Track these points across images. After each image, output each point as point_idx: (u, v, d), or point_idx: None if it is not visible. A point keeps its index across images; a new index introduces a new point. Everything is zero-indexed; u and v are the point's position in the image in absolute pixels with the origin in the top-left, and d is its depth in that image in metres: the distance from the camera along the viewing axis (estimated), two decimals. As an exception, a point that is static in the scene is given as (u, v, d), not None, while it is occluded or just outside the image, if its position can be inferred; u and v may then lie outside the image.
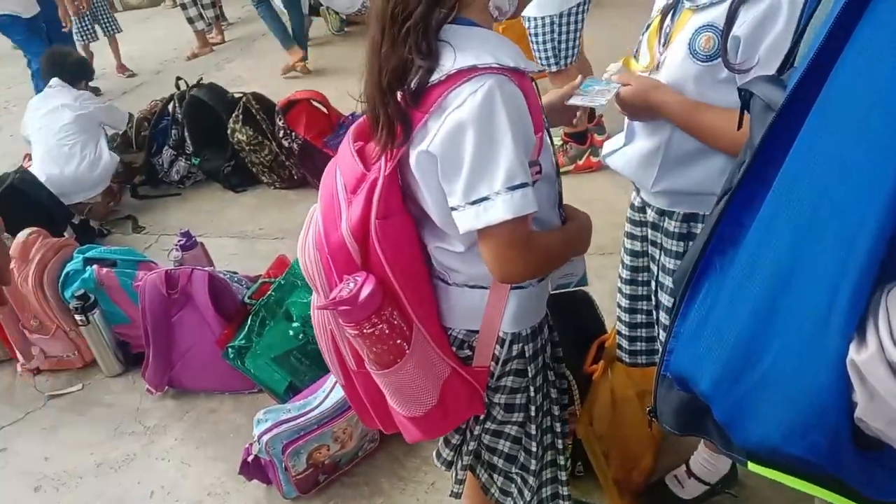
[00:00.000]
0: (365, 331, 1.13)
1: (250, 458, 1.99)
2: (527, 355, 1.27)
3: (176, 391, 2.51)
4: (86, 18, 5.68)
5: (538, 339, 1.29)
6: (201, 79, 4.16)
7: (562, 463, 1.42)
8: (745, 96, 0.76)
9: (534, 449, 1.35)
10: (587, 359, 1.96)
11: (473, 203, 1.02)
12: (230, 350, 2.28)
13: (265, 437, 1.94)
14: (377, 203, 1.08)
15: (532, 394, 1.30)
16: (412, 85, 1.02)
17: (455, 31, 1.03)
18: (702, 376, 0.76)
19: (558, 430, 1.39)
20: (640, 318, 1.69)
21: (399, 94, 1.04)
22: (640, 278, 1.64)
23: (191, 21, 6.23)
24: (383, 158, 1.09)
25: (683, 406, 0.86)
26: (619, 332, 1.76)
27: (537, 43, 3.12)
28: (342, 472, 2.08)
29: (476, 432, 1.35)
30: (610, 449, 1.85)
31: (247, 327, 2.29)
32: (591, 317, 2.08)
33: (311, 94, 3.78)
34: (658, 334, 1.64)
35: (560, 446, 1.40)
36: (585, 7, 3.04)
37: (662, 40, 1.36)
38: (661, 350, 1.58)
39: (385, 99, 1.04)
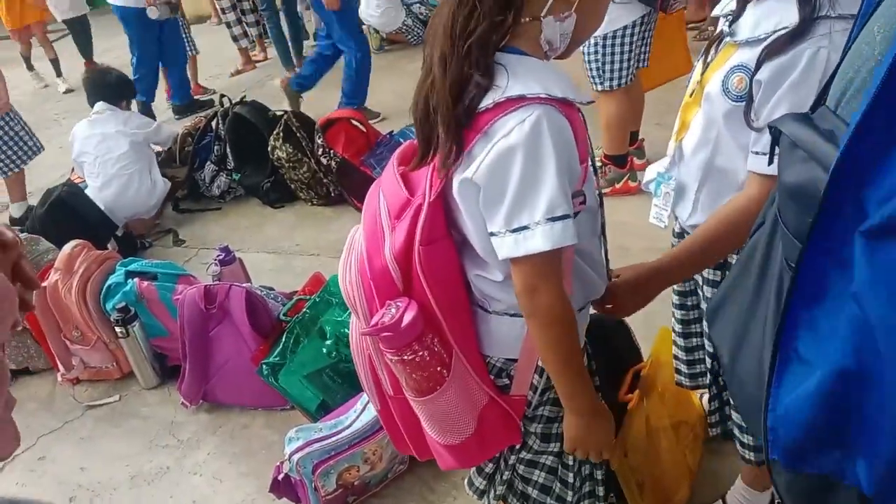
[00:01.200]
0: (406, 357, 1.13)
1: (281, 477, 2.00)
2: None
3: (210, 405, 2.54)
4: None
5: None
6: (244, 96, 4.24)
7: (600, 494, 1.40)
8: (775, 133, 0.74)
9: (570, 480, 1.33)
10: (622, 387, 1.93)
11: (514, 231, 1.02)
12: (264, 367, 2.30)
13: (296, 456, 1.94)
14: (421, 229, 1.09)
15: None
16: (466, 102, 1.02)
17: (507, 59, 1.04)
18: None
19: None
20: (695, 340, 1.70)
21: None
22: (689, 302, 1.66)
23: (235, 39, 6.37)
24: (428, 184, 1.10)
25: (804, 490, 0.78)
26: (676, 357, 1.77)
27: (586, 61, 3.11)
28: (371, 493, 2.08)
29: (511, 461, 1.34)
30: (644, 480, 1.81)
31: (281, 344, 2.31)
32: (627, 345, 2.04)
33: (351, 114, 3.83)
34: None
35: (599, 477, 1.38)
36: (638, 30, 3.00)
37: (703, 70, 1.35)
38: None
39: (447, 114, 1.04)
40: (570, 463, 1.32)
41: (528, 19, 1.03)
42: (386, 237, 1.14)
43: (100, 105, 3.80)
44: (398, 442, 1.39)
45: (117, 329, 2.56)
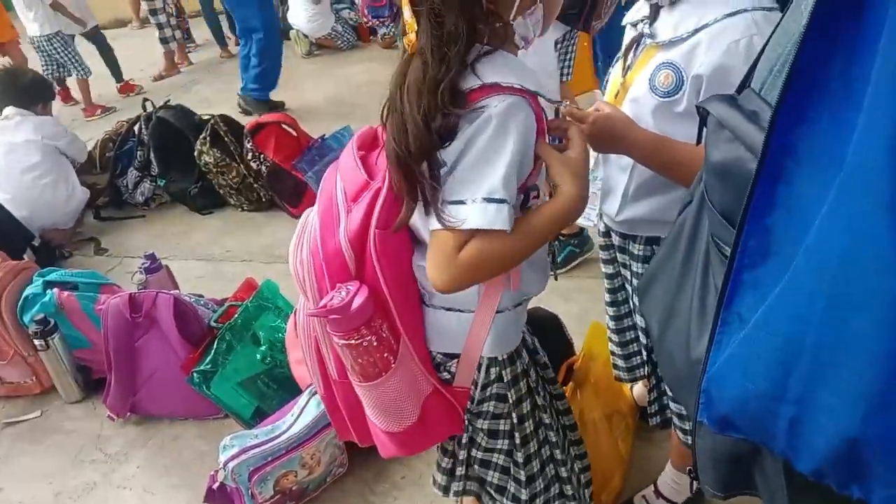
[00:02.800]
0: (353, 341, 1.12)
1: (216, 486, 1.95)
2: (505, 380, 1.26)
3: (139, 417, 2.44)
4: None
5: (517, 364, 1.27)
6: (169, 100, 4.12)
7: (569, 493, 1.39)
8: (703, 114, 0.77)
9: (522, 478, 1.33)
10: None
11: (451, 203, 1.01)
12: (195, 375, 2.23)
13: (231, 464, 1.89)
14: (379, 212, 1.08)
15: (515, 421, 1.29)
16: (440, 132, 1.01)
17: (494, 56, 1.04)
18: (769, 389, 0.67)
19: (559, 457, 1.37)
20: (629, 334, 1.74)
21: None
22: (619, 298, 1.70)
23: (165, 41, 6.21)
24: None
25: (728, 457, 0.78)
26: (612, 353, 1.81)
27: None
28: (310, 497, 2.05)
29: (461, 458, 1.34)
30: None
31: (213, 351, 2.25)
32: (559, 338, 2.09)
33: (281, 118, 3.78)
34: (643, 351, 1.69)
35: (564, 475, 1.38)
36: (561, 47, 3.06)
37: (625, 73, 1.41)
38: (647, 369, 1.62)
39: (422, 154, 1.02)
40: (520, 461, 1.32)
41: (498, 25, 1.04)
42: (341, 219, 1.12)
43: (9, 110, 3.58)
44: (340, 428, 1.37)
45: (36, 342, 2.44)
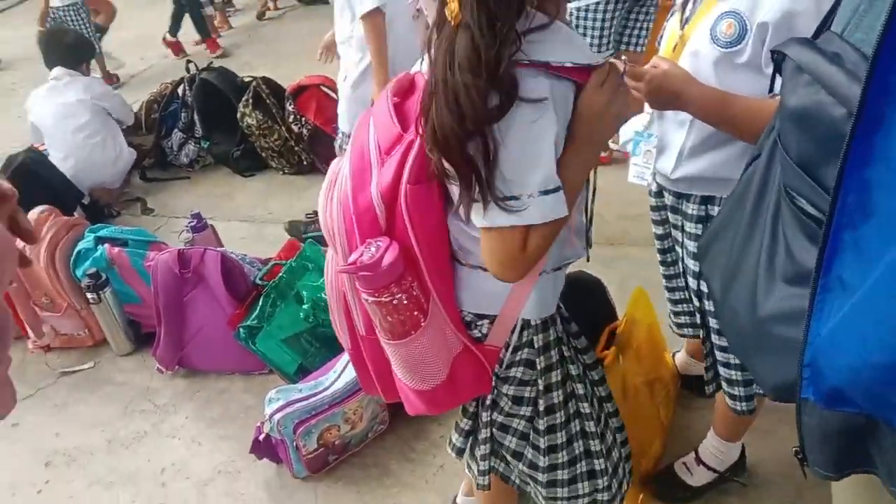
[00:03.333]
0: (383, 298, 1.10)
1: (261, 437, 2.01)
2: (536, 346, 1.25)
3: (186, 371, 2.52)
4: None
5: (549, 331, 1.26)
6: (211, 63, 4.16)
7: (599, 468, 1.37)
8: (778, 58, 0.74)
9: (542, 446, 1.32)
10: (598, 345, 1.97)
11: (504, 199, 1.00)
12: (241, 330, 2.29)
13: (277, 416, 1.95)
14: (410, 167, 1.06)
15: (542, 388, 1.28)
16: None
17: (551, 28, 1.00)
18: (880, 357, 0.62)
19: (591, 429, 1.35)
20: (678, 294, 1.75)
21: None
22: (668, 259, 1.72)
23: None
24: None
25: (840, 433, 0.73)
26: (673, 312, 1.83)
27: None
28: (352, 452, 2.10)
29: (485, 419, 1.33)
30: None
31: (258, 308, 2.30)
32: (603, 302, 2.08)
33: (322, 80, 3.77)
34: (696, 316, 1.67)
35: (595, 448, 1.36)
36: (611, 7, 2.94)
37: (683, 24, 1.37)
38: (700, 333, 1.60)
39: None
40: (542, 428, 1.30)
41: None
42: (373, 173, 1.10)
43: (57, 70, 3.64)
44: (366, 382, 1.37)
45: (88, 295, 2.52)
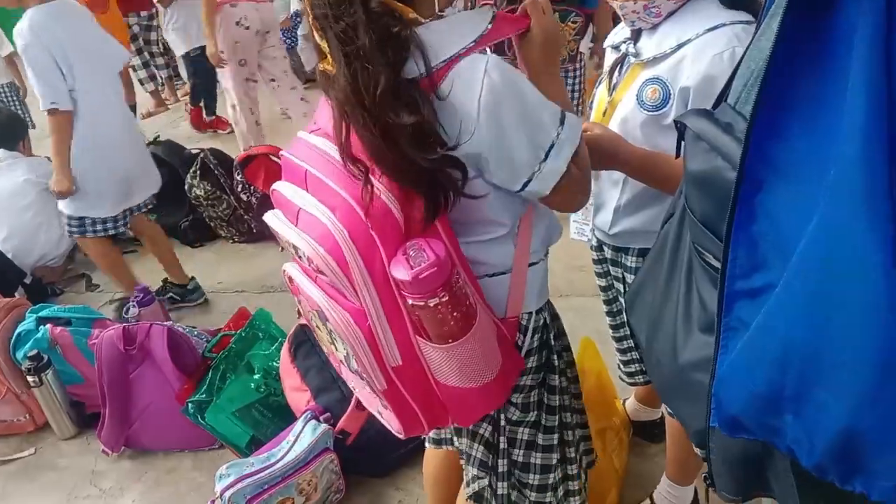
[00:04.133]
0: (442, 298, 1.04)
1: (213, 516, 1.94)
2: (545, 338, 1.30)
3: (133, 451, 2.43)
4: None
5: (551, 322, 1.32)
6: (158, 136, 4.16)
7: (573, 473, 1.40)
8: (680, 127, 0.81)
9: (555, 442, 1.35)
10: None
11: (546, 158, 1.06)
12: (190, 405, 2.23)
13: (228, 493, 1.89)
14: None
15: (558, 384, 1.32)
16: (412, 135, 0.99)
17: (421, 31, 1.03)
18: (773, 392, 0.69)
19: (567, 438, 1.38)
20: (625, 343, 1.79)
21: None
22: (613, 309, 1.77)
23: (141, 83, 6.25)
24: None
25: (740, 458, 0.80)
26: (620, 361, 1.86)
27: None
28: (308, 526, 2.04)
29: (498, 442, 1.33)
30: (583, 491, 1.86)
31: (207, 381, 2.26)
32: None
33: (270, 149, 3.81)
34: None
35: (569, 455, 1.39)
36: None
37: (612, 90, 1.45)
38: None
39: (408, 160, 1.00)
40: (554, 425, 1.33)
41: (428, 20, 1.05)
42: (372, 180, 1.03)
43: (0, 153, 3.61)
44: (408, 420, 1.22)
45: (29, 378, 2.43)
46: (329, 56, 1.03)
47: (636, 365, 1.80)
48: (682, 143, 0.82)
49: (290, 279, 1.22)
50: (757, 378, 0.69)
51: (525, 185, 1.08)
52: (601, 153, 1.32)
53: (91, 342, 2.44)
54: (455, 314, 1.05)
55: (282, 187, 1.17)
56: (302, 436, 2.03)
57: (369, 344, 1.10)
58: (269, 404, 2.29)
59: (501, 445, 1.34)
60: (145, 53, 6.13)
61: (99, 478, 2.36)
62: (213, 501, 1.93)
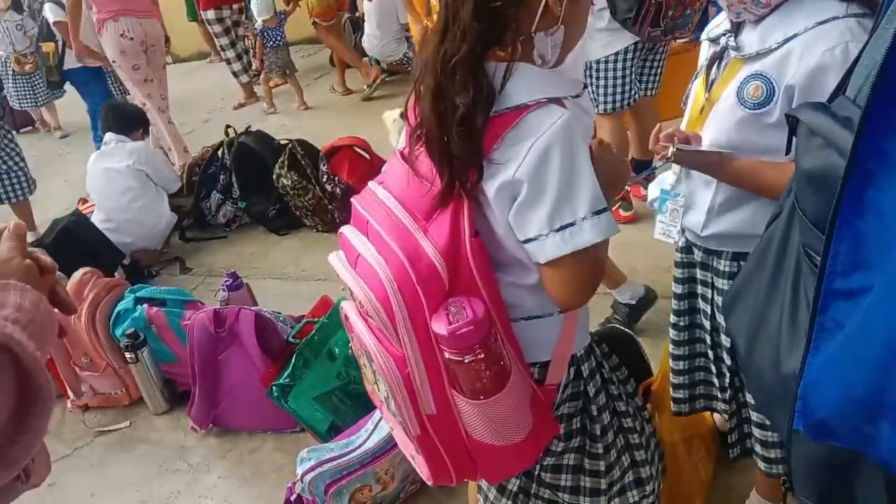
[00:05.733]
0: (478, 356, 1.09)
1: (293, 497, 2.00)
2: (585, 374, 1.27)
3: (219, 430, 2.53)
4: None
5: (591, 358, 1.29)
6: (249, 127, 4.30)
7: (644, 475, 1.38)
8: (792, 122, 0.77)
9: (602, 468, 1.32)
10: (633, 403, 1.94)
11: (558, 230, 1.04)
12: (274, 388, 2.30)
13: (308, 476, 1.94)
14: (468, 220, 1.08)
15: (595, 412, 1.29)
16: (461, 117, 1.04)
17: (517, 67, 1.07)
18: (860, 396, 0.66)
19: (635, 441, 1.36)
20: (682, 363, 1.69)
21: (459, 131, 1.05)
22: (684, 321, 1.65)
23: (235, 74, 6.47)
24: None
25: (824, 465, 0.76)
26: (674, 384, 1.74)
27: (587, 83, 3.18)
28: (384, 513, 2.07)
29: (535, 471, 1.33)
30: (659, 495, 1.81)
31: (291, 366, 2.31)
32: (637, 359, 2.06)
33: (354, 141, 3.88)
34: (721, 375, 1.62)
35: (640, 458, 1.37)
36: (630, 57, 3.04)
37: (709, 87, 1.39)
38: (727, 395, 1.56)
39: (447, 146, 1.06)
40: (600, 451, 1.31)
41: (521, 37, 1.07)
42: (420, 237, 1.10)
43: (108, 136, 3.83)
44: (437, 469, 1.27)
45: (127, 355, 2.57)
46: (435, 17, 1.07)
47: (684, 391, 1.71)
48: (794, 138, 0.77)
49: (346, 317, 1.29)
50: (852, 382, 0.66)
51: (528, 241, 1.07)
52: (699, 159, 1.33)
53: (184, 323, 2.55)
54: (488, 372, 1.10)
55: (347, 231, 1.24)
56: (381, 425, 2.05)
57: (407, 390, 1.16)
58: (348, 392, 2.33)
59: (533, 490, 1.33)
60: (238, 46, 6.35)
61: (188, 453, 2.47)
62: (293, 483, 1.99)
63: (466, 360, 1.09)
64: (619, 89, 3.10)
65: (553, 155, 1.02)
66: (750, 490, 1.80)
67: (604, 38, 3.00)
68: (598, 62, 3.07)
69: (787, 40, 1.23)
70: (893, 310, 0.63)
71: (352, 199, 1.26)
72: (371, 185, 1.24)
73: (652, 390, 1.95)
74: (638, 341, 2.07)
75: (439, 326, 1.08)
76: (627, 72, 3.07)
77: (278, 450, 2.40)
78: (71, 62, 4.97)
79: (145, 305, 2.62)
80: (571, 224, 1.04)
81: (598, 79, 3.10)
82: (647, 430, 1.43)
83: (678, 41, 3.22)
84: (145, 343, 2.58)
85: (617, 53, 3.02)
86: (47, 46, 5.33)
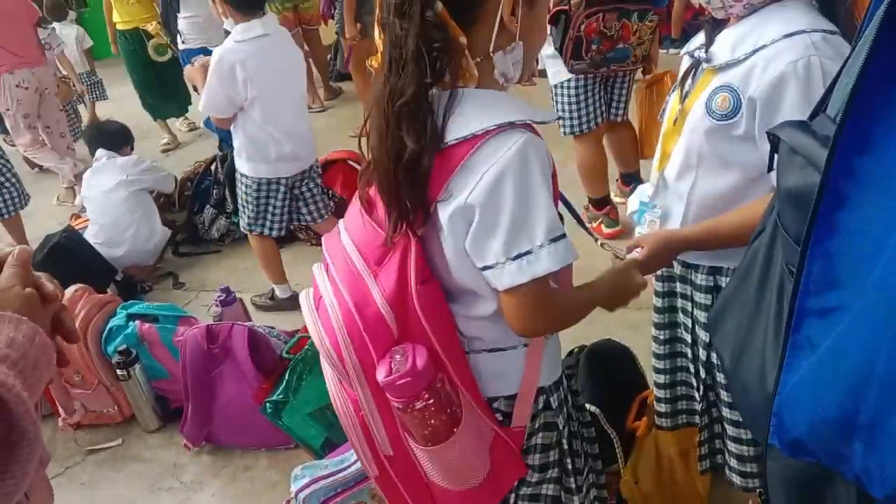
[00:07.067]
0: (420, 404, 1.08)
1: (287, 515, 1.98)
2: (553, 406, 1.25)
3: (212, 447, 2.51)
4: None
5: (560, 389, 1.27)
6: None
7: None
8: (774, 140, 0.78)
9: (575, 501, 1.31)
10: (629, 415, 1.93)
11: (516, 258, 1.02)
12: (268, 405, 2.29)
13: (302, 494, 1.92)
14: (415, 268, 1.07)
15: (565, 446, 1.27)
16: (407, 161, 1.02)
17: (469, 94, 1.04)
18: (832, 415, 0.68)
19: (572, 485, 1.33)
20: (664, 377, 1.69)
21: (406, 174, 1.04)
22: (665, 335, 1.66)
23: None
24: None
25: (799, 481, 0.78)
26: (657, 398, 1.74)
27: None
28: (378, 530, 2.05)
29: (512, 501, 1.31)
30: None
31: (284, 382, 2.30)
32: (631, 372, 2.05)
33: (348, 154, 3.88)
34: (699, 389, 1.61)
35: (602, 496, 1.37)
36: (589, 82, 3.13)
37: (683, 100, 1.40)
38: (702, 407, 1.57)
39: (395, 184, 1.04)
40: (573, 486, 1.30)
41: (478, 59, 1.05)
42: (369, 283, 1.10)
43: (99, 152, 3.85)
44: None
45: (119, 372, 2.55)
46: (380, 56, 1.06)
47: (667, 405, 1.70)
48: (776, 156, 0.77)
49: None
50: (826, 403, 0.67)
51: (486, 268, 1.05)
52: (663, 259, 1.37)
53: (176, 339, 2.54)
54: (432, 421, 1.10)
55: (315, 271, 1.24)
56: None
57: (363, 431, 1.19)
58: (342, 407, 2.31)
59: (511, 500, 1.30)
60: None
61: (180, 471, 2.45)
62: (288, 501, 1.97)
63: (409, 409, 1.09)
64: (576, 114, 3.19)
65: (506, 182, 1.00)
66: (747, 501, 1.79)
67: (554, 66, 3.09)
68: (555, 87, 3.20)
69: (754, 51, 1.24)
70: (866, 337, 0.63)
71: (323, 238, 1.26)
72: (339, 224, 1.24)
73: (648, 403, 1.94)
74: (633, 354, 2.06)
75: (380, 375, 1.09)
76: (583, 97, 3.16)
77: (272, 467, 2.38)
78: None
79: (137, 322, 2.61)
80: (529, 252, 1.01)
81: (557, 103, 3.21)
82: (591, 479, 1.41)
83: (630, 71, 3.26)
84: (137, 360, 2.56)
85: (568, 80, 3.11)
86: None
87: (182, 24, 4.84)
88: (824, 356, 0.67)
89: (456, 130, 1.02)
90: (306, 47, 5.78)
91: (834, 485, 0.74)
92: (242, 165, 3.01)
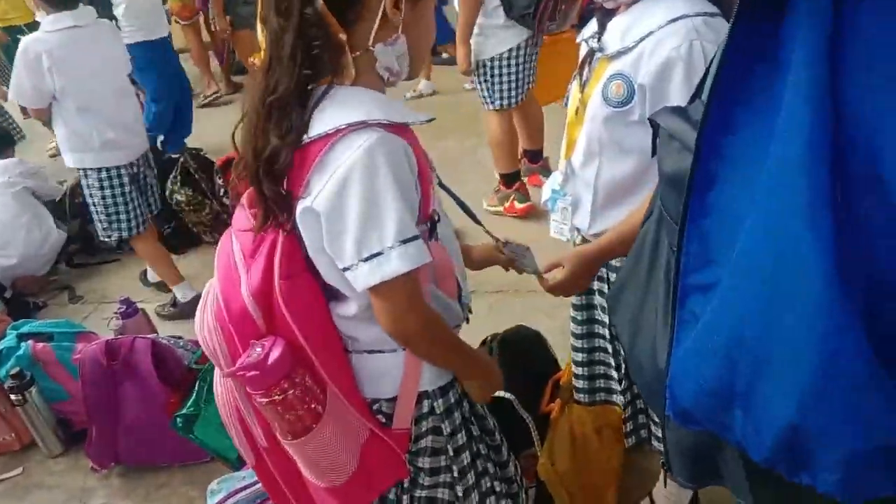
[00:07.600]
0: (276, 397, 1.08)
1: (206, 532, 1.91)
2: (438, 412, 1.23)
3: (123, 467, 2.40)
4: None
5: (449, 395, 1.25)
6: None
7: None
8: (654, 125, 0.81)
9: None
10: (543, 399, 1.96)
11: (366, 260, 1.01)
12: (178, 419, 2.20)
13: (220, 508, 1.86)
14: (279, 263, 1.06)
15: (451, 453, 1.26)
16: (266, 157, 1.02)
17: (339, 91, 1.03)
18: (704, 389, 0.72)
19: (499, 489, 1.35)
20: (581, 356, 1.71)
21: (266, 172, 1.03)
22: (584, 316, 1.68)
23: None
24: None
25: (693, 448, 0.82)
26: (575, 375, 1.76)
27: (477, 82, 3.28)
28: (302, 536, 2.01)
29: (406, 502, 1.30)
30: (573, 487, 1.84)
31: (194, 394, 2.22)
32: (544, 356, 2.09)
33: (250, 151, 3.76)
34: (618, 368, 1.65)
35: (498, 489, 1.36)
36: (523, 53, 3.12)
37: (582, 88, 1.43)
38: (622, 386, 1.61)
39: (259, 181, 1.04)
40: (460, 495, 1.29)
41: (358, 53, 1.03)
42: (242, 277, 1.10)
43: None
44: (279, 499, 1.33)
45: (12, 397, 2.39)
46: (262, 52, 1.05)
47: (584, 382, 1.74)
48: (657, 141, 0.79)
49: None
50: (706, 374, 0.71)
51: (345, 269, 1.05)
52: (579, 281, 1.38)
53: (75, 357, 2.39)
54: (288, 416, 1.11)
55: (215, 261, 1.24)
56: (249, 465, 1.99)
57: (238, 419, 1.22)
58: (257, 413, 2.25)
59: (405, 502, 1.30)
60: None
61: (89, 495, 2.33)
62: (204, 517, 1.90)
63: (263, 402, 1.10)
64: (513, 85, 3.18)
65: (352, 183, 0.98)
66: (659, 473, 1.85)
67: (497, 36, 3.06)
68: (492, 60, 3.13)
69: (642, 39, 1.27)
70: (734, 309, 0.67)
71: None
72: (236, 220, 1.23)
73: (561, 384, 1.98)
74: (545, 339, 2.10)
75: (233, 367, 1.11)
76: (521, 67, 3.15)
77: (188, 483, 2.30)
78: None
79: (30, 342, 2.46)
80: (379, 253, 1.00)
81: (492, 76, 3.16)
82: (515, 479, 1.42)
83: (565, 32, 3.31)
84: (33, 382, 2.41)
85: (510, 50, 3.08)
86: None
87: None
88: (701, 330, 0.70)
89: (316, 127, 1.01)
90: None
91: (723, 451, 0.79)
92: (69, 160, 2.97)
